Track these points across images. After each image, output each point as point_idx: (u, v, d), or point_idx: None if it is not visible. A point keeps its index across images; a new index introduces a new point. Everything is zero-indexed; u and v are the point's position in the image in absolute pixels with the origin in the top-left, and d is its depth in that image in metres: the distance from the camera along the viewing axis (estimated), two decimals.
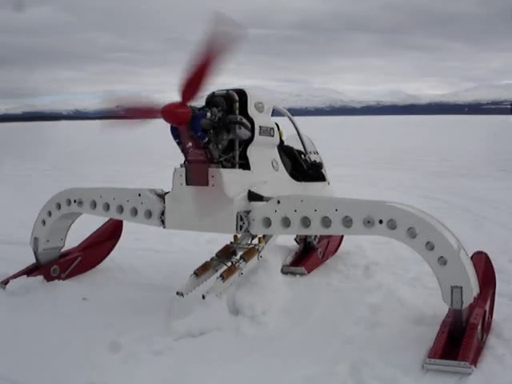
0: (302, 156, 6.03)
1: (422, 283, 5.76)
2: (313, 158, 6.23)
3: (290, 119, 6.18)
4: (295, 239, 6.68)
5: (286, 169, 5.48)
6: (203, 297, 4.79)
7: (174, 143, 4.75)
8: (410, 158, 21.73)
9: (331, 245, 6.78)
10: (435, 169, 17.37)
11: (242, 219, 4.64)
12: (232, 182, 4.63)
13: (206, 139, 4.50)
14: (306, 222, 4.49)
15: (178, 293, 4.95)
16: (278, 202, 4.60)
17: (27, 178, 16.96)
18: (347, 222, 4.32)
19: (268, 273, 5.67)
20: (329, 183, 6.31)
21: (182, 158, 4.81)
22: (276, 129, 5.20)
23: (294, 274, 6.13)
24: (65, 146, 34.74)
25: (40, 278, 5.73)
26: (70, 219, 5.96)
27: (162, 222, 5.00)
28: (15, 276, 5.76)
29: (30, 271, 5.84)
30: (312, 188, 5.81)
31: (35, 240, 5.89)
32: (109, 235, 6.56)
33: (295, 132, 6.26)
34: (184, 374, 3.91)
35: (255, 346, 4.35)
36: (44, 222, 5.85)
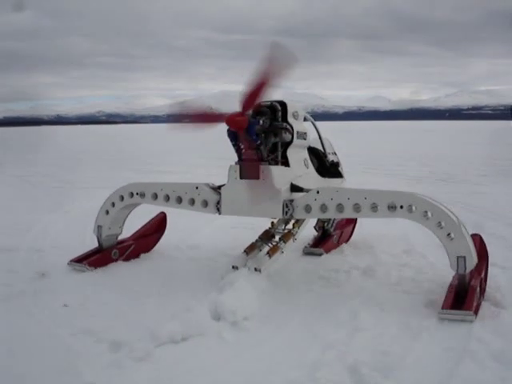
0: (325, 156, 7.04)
1: (403, 288, 5.80)
2: (331, 158, 7.20)
3: (313, 124, 7.02)
4: (314, 227, 7.64)
5: (314, 166, 6.54)
6: (255, 269, 5.86)
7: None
8: (391, 162, 21.87)
9: (344, 234, 7.90)
10: (416, 174, 17.50)
11: (287, 206, 5.65)
12: (278, 176, 5.65)
13: (258, 142, 5.51)
14: (340, 208, 5.48)
15: (233, 266, 5.99)
16: (318, 192, 5.62)
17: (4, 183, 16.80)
18: (374, 207, 5.30)
19: (250, 279, 5.70)
20: (345, 179, 7.29)
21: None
22: (308, 133, 6.24)
23: (314, 254, 7.24)
24: (45, 151, 34.43)
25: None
26: (128, 210, 6.94)
27: (218, 209, 6.02)
28: (82, 257, 6.71)
29: (93, 253, 6.81)
30: (333, 183, 6.80)
31: (99, 227, 6.87)
32: (155, 229, 7.61)
33: (317, 135, 7.19)
34: (165, 381, 3.90)
35: (237, 352, 4.34)
36: (107, 212, 6.83)
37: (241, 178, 5.71)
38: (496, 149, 31.03)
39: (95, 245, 6.94)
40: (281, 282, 6.05)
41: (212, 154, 26.49)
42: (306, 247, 7.36)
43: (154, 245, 7.56)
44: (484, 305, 5.25)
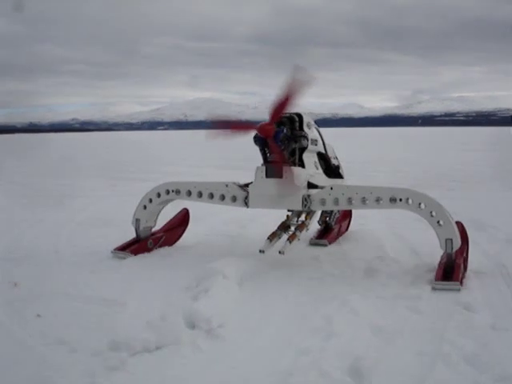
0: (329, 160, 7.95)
1: (376, 293, 5.85)
2: (333, 161, 8.09)
3: (318, 132, 7.54)
4: (318, 222, 8.56)
5: (322, 168, 7.49)
6: (279, 252, 6.72)
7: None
8: (365, 168, 21.99)
9: (342, 227, 9.04)
10: (389, 179, 17.63)
11: (305, 200, 6.77)
12: (298, 175, 6.69)
13: (282, 147, 6.65)
14: (350, 201, 6.63)
15: (260, 250, 6.82)
16: (331, 188, 6.78)
17: None
18: (378, 200, 6.48)
19: (225, 286, 5.70)
20: (345, 179, 8.17)
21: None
22: (320, 140, 7.45)
23: (319, 244, 8.21)
24: (18, 159, 34.05)
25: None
26: (163, 205, 7.93)
27: (246, 203, 7.10)
28: (124, 246, 7.70)
29: (133, 243, 7.76)
30: (337, 182, 7.50)
31: (137, 220, 7.84)
32: (180, 223, 8.52)
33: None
34: None
35: (212, 360, 4.34)
36: (145, 207, 7.80)
37: (267, 176, 6.80)
38: (468, 155, 31.44)
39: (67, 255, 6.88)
40: (255, 288, 6.05)
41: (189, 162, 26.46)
42: (311, 239, 8.33)
43: (181, 236, 8.52)
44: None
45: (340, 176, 8.08)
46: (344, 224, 9.15)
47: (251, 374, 4.08)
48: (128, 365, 4.21)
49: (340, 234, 8.89)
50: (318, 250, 7.85)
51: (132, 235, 7.97)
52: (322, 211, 8.40)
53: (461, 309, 5.34)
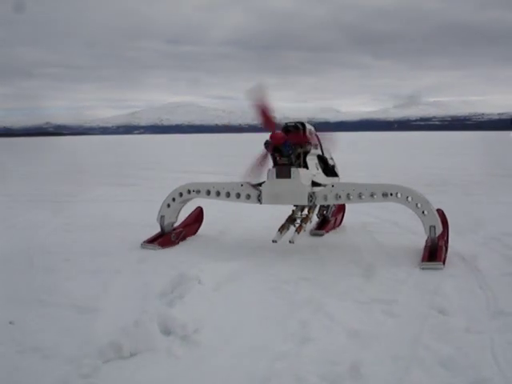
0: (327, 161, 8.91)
1: (352, 297, 5.87)
2: (330, 162, 9.06)
3: (316, 136, 8.40)
4: (317, 215, 9.46)
5: (321, 168, 8.50)
6: (290, 241, 7.72)
7: None
8: (341, 173, 22.08)
9: (337, 220, 10.02)
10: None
11: (310, 196, 7.74)
12: (303, 176, 7.75)
13: (290, 152, 7.64)
14: (348, 196, 7.66)
15: (273, 240, 7.79)
16: (332, 186, 7.79)
17: None
18: (373, 195, 7.53)
19: (200, 291, 5.67)
20: (340, 178, 9.10)
21: None
22: (319, 144, 8.46)
23: (318, 234, 9.25)
24: None
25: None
26: (184, 203, 8.82)
27: (259, 200, 8.00)
28: (152, 239, 8.51)
29: (158, 236, 8.57)
30: (334, 180, 8.40)
31: (162, 217, 8.67)
32: (196, 220, 9.47)
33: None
34: None
35: (187, 367, 4.30)
36: (169, 205, 8.66)
37: (277, 177, 7.77)
38: (443, 159, 31.75)
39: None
40: (231, 293, 6.03)
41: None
42: (311, 230, 9.31)
43: (197, 230, 9.44)
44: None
45: (336, 174, 9.08)
46: (339, 217, 10.12)
47: (227, 380, 4.06)
48: (102, 372, 4.15)
49: (335, 226, 9.91)
50: (294, 251, 7.85)
51: (105, 240, 7.85)
52: (320, 206, 9.20)
53: (436, 312, 5.38)
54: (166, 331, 4.81)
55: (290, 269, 7.06)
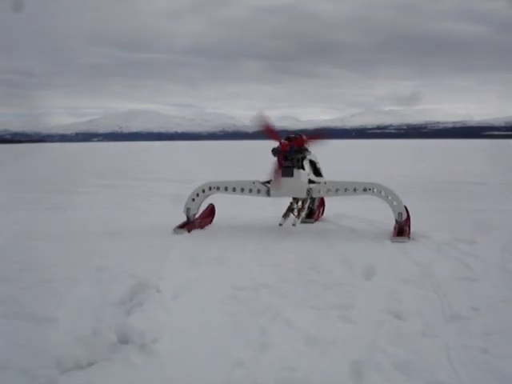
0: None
1: (309, 304, 5.91)
2: (318, 165, 11.05)
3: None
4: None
5: (311, 170, 10.55)
6: (293, 224, 10.01)
7: None
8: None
9: (320, 212, 11.90)
10: None
11: (308, 191, 10.00)
12: (302, 175, 9.96)
13: (293, 156, 9.87)
14: (337, 190, 9.96)
15: (280, 224, 10.00)
16: (325, 183, 10.15)
17: None
18: (355, 189, 9.84)
19: (159, 300, 5.64)
20: (324, 177, 10.96)
21: None
22: (309, 152, 10.48)
23: (308, 222, 11.10)
24: None
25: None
26: (205, 198, 10.66)
27: (268, 194, 10.13)
28: (181, 225, 10.40)
29: (185, 224, 10.43)
30: (321, 180, 10.44)
31: (188, 209, 10.47)
32: (209, 213, 11.30)
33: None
34: None
35: (145, 377, 4.26)
36: (193, 200, 10.49)
37: (282, 176, 9.85)
38: (399, 167, 32.21)
39: None
40: (190, 301, 6.01)
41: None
42: (302, 219, 10.66)
43: (211, 222, 11.23)
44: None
45: (321, 175, 11.02)
46: (321, 209, 12.03)
47: None
48: (58, 383, 4.09)
49: (319, 215, 11.83)
50: (254, 258, 7.87)
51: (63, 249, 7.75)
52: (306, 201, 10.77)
53: (392, 317, 5.46)
54: (124, 340, 4.75)
55: (249, 275, 7.07)
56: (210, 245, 9.04)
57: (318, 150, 10.60)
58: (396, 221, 9.74)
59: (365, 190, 9.79)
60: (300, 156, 10.02)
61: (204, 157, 54.45)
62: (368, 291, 6.38)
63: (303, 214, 10.48)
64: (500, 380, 4.14)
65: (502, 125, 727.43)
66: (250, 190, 10.29)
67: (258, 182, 10.22)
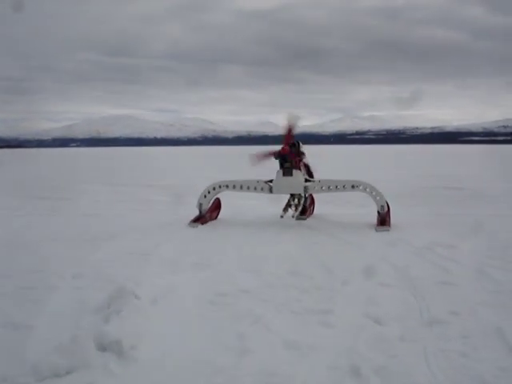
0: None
1: (289, 308, 5.93)
2: (311, 167, 12.33)
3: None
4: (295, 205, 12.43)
5: (305, 171, 11.87)
6: (292, 216, 11.78)
7: None
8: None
9: (311, 209, 13.03)
10: None
11: (305, 188, 11.42)
12: (300, 175, 11.41)
13: (292, 159, 11.31)
14: (329, 187, 11.35)
15: (281, 216, 11.49)
16: (319, 181, 11.53)
17: None
18: (344, 186, 11.22)
19: (137, 306, 5.60)
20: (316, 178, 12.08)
21: None
22: (306, 154, 11.93)
23: (301, 219, 12.17)
24: None
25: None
26: (214, 194, 12.07)
27: (271, 191, 11.56)
28: (195, 219, 11.71)
29: (198, 218, 11.75)
30: (315, 179, 11.78)
31: (200, 204, 11.87)
32: (216, 208, 12.53)
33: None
34: None
35: None
36: (205, 196, 11.92)
37: (283, 175, 11.46)
38: (378, 172, 32.38)
39: None
40: (169, 307, 5.98)
41: None
42: (296, 216, 12.01)
43: (218, 216, 12.55)
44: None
45: (313, 176, 12.12)
46: (312, 207, 13.14)
47: None
48: None
49: (311, 212, 12.96)
50: (231, 264, 7.86)
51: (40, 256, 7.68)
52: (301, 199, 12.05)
53: (371, 322, 5.48)
54: (102, 347, 4.71)
55: (229, 281, 7.06)
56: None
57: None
58: (378, 213, 11.07)
59: (353, 186, 11.21)
60: (297, 159, 11.54)
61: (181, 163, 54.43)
62: (347, 295, 6.41)
63: (300, 208, 11.87)
64: None
65: (480, 130, 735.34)
66: (255, 188, 11.77)
67: (262, 181, 11.72)
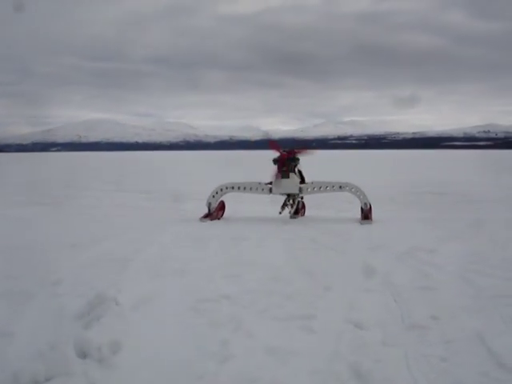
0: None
1: (270, 314, 5.90)
2: (303, 172, 13.82)
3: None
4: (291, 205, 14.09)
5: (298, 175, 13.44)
6: (289, 212, 13.33)
7: None
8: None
9: (303, 211, 14.15)
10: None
11: (300, 189, 13.02)
12: (295, 177, 13.06)
13: (288, 163, 13.11)
14: (320, 188, 13.06)
15: (280, 213, 12.99)
16: (312, 182, 13.24)
17: None
18: (333, 187, 13.02)
19: (118, 313, 5.56)
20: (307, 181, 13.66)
21: None
22: (299, 161, 13.43)
23: (294, 218, 13.43)
24: None
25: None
26: (221, 195, 13.54)
27: (270, 192, 13.16)
28: (204, 216, 13.20)
29: (207, 215, 13.23)
30: (308, 182, 13.43)
31: (209, 203, 13.32)
32: (221, 208, 13.78)
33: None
34: None
35: None
36: (213, 196, 13.40)
37: (281, 178, 13.02)
38: (359, 178, 32.53)
39: None
40: (150, 313, 5.94)
41: None
42: (291, 215, 13.50)
43: (222, 215, 13.73)
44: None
45: (304, 180, 13.49)
46: (303, 210, 14.19)
47: None
48: None
49: (302, 214, 14.03)
50: (210, 272, 7.83)
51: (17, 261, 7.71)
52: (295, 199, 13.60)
53: (352, 327, 5.49)
54: (82, 354, 4.67)
55: (209, 286, 7.03)
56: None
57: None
58: (362, 209, 12.83)
59: (341, 187, 13.00)
60: (293, 164, 13.22)
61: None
62: (328, 301, 6.41)
63: (295, 207, 13.46)
64: None
65: (461, 135, 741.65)
66: (257, 189, 13.46)
67: (263, 183, 13.43)
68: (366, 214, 12.64)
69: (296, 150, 13.38)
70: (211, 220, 13.03)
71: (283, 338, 5.21)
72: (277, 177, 13.09)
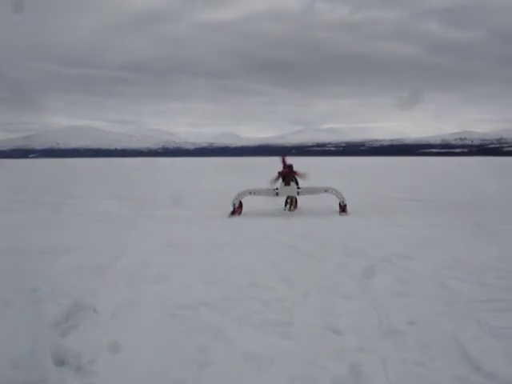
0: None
1: (249, 320, 5.93)
2: (298, 180, 17.26)
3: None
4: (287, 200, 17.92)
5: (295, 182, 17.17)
6: (290, 209, 17.50)
7: None
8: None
9: (296, 205, 17.79)
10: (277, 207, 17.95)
11: (298, 192, 17.03)
12: (294, 185, 17.07)
13: (289, 176, 17.19)
14: (311, 191, 17.15)
15: (284, 209, 17.44)
16: (306, 187, 17.15)
17: None
18: (322, 189, 17.03)
19: (96, 320, 5.53)
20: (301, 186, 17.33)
21: None
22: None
23: (292, 211, 17.18)
24: None
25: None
26: (241, 197, 16.57)
27: (277, 195, 16.87)
28: (231, 213, 16.21)
29: (233, 212, 16.27)
30: (302, 186, 17.09)
31: (234, 204, 16.32)
32: (240, 206, 16.63)
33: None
34: None
35: None
36: (236, 199, 16.43)
37: (284, 185, 16.78)
38: (338, 185, 32.66)
39: None
40: (128, 321, 5.91)
41: None
42: (287, 210, 17.25)
43: (241, 213, 16.51)
44: None
45: (298, 185, 17.11)
46: (297, 205, 17.88)
47: None
48: None
49: (296, 207, 17.66)
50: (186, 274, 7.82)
51: None
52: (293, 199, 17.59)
53: (330, 333, 5.52)
54: (60, 362, 4.64)
55: (188, 294, 7.02)
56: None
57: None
58: (340, 204, 16.31)
59: (326, 190, 16.70)
60: (292, 176, 16.98)
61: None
62: (306, 307, 6.44)
63: (293, 204, 17.57)
64: None
65: (438, 142, 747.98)
66: (267, 193, 16.89)
67: (271, 189, 16.79)
68: (343, 208, 16.36)
69: (295, 171, 17.15)
70: (238, 215, 16.37)
71: (262, 344, 5.23)
72: (281, 185, 16.96)
